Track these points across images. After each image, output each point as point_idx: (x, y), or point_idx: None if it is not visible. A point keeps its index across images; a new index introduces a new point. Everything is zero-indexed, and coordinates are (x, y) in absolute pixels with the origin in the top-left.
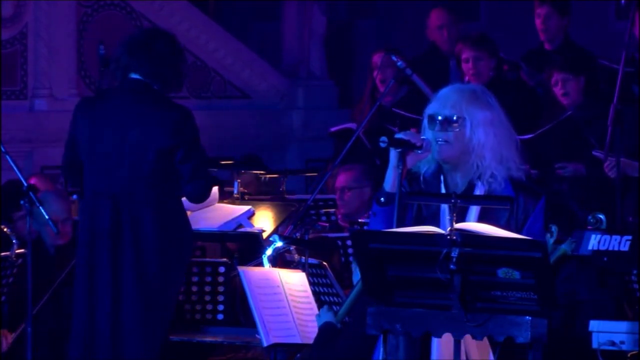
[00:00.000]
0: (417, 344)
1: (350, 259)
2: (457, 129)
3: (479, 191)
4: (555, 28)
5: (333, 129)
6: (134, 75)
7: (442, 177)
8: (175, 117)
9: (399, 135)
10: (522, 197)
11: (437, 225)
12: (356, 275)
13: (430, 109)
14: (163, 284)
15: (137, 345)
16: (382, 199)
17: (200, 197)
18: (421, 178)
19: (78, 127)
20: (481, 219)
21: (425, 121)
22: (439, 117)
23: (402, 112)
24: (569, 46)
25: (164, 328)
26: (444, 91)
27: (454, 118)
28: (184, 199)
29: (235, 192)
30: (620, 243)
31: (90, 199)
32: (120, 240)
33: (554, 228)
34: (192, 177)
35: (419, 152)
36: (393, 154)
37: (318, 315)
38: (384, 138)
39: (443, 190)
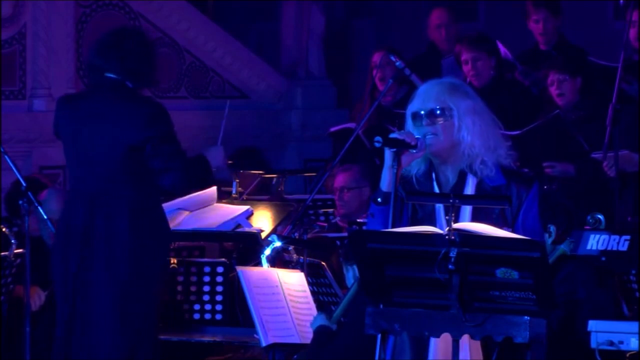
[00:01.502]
0: (420, 345)
1: (341, 259)
2: (444, 121)
3: (470, 182)
4: (552, 30)
5: (333, 129)
6: (108, 75)
7: (433, 175)
8: (147, 112)
9: (393, 135)
10: (515, 184)
11: (434, 225)
12: (349, 279)
13: (412, 107)
14: (137, 282)
15: (109, 345)
16: (379, 199)
17: (179, 187)
18: (413, 180)
19: (60, 125)
20: (475, 210)
21: (409, 120)
22: (424, 112)
23: (403, 111)
24: (563, 45)
25: (143, 327)
26: (424, 87)
27: (438, 111)
28: (182, 199)
29: (234, 192)
30: (619, 243)
31: (69, 197)
32: (93, 237)
33: (552, 228)
34: (164, 169)
35: (414, 151)
36: (388, 154)
37: (312, 322)
38: (378, 138)
39: (435, 188)
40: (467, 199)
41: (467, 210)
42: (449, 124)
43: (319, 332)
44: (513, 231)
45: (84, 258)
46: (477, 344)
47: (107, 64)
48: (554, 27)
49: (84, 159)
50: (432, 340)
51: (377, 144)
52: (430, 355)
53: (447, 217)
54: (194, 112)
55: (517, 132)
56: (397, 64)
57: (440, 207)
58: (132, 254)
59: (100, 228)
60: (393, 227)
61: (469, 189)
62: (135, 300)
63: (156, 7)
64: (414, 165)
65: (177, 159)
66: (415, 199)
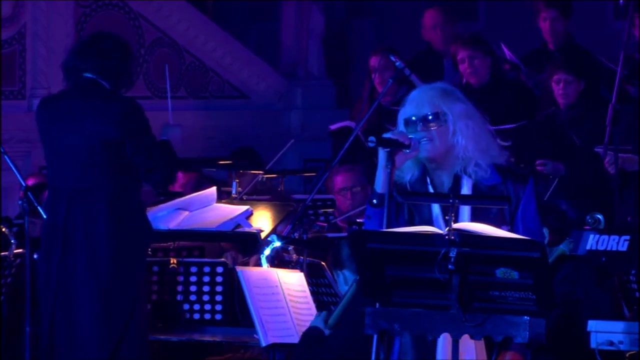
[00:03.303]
0: (426, 345)
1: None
2: (439, 126)
3: (466, 184)
4: (561, 30)
5: (333, 127)
6: (85, 75)
7: (427, 179)
8: (120, 109)
9: (386, 135)
10: (511, 182)
11: None
12: (340, 283)
13: (406, 113)
14: (118, 280)
15: (92, 344)
16: (374, 200)
17: (165, 184)
18: (407, 186)
19: (39, 127)
20: (474, 210)
21: (402, 126)
22: (418, 117)
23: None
24: (571, 47)
25: (126, 324)
26: (415, 93)
27: (432, 116)
28: (182, 199)
29: (234, 192)
30: (619, 243)
31: (50, 196)
32: (73, 235)
33: (544, 231)
34: (150, 167)
35: (407, 151)
36: (381, 154)
37: (312, 321)
38: (371, 138)
39: (431, 191)
40: (467, 199)
41: (465, 211)
42: (444, 128)
43: (307, 333)
44: (512, 229)
45: (65, 256)
46: (482, 344)
47: (84, 63)
48: (563, 28)
49: (62, 157)
50: (440, 340)
51: (370, 144)
52: (439, 355)
53: (446, 217)
54: (193, 112)
55: (512, 125)
56: (397, 64)
57: (438, 213)
58: (112, 251)
59: (79, 225)
60: (388, 227)
61: (465, 191)
62: (117, 298)
63: (156, 7)
64: (406, 171)
65: (159, 154)
66: (413, 199)
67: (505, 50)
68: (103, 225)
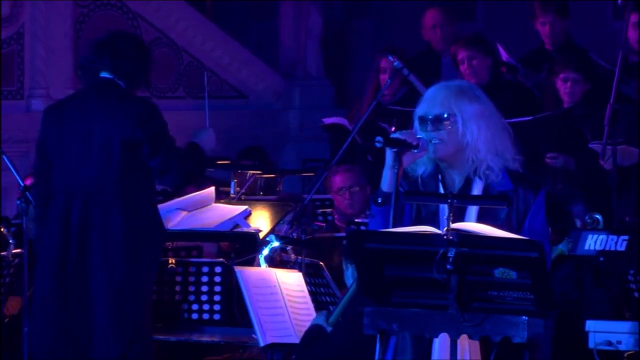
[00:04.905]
0: (424, 345)
1: (342, 256)
2: (449, 127)
3: (476, 186)
4: (560, 32)
5: (326, 121)
6: (101, 74)
7: (439, 177)
8: (138, 110)
9: (394, 135)
10: (522, 189)
11: (436, 225)
12: (348, 277)
13: (420, 111)
14: (132, 280)
15: (107, 343)
16: (379, 199)
17: (177, 186)
18: (419, 180)
19: (47, 131)
20: (481, 215)
21: (417, 123)
22: (429, 117)
23: (399, 108)
24: (570, 46)
25: (138, 324)
26: (431, 90)
27: (445, 116)
28: (181, 199)
29: (232, 192)
30: (617, 243)
31: (62, 198)
32: (90, 237)
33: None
34: (163, 170)
35: (415, 151)
36: (389, 154)
37: (312, 321)
38: (379, 138)
39: (441, 190)
40: (466, 199)
41: (472, 214)
42: (454, 129)
43: (309, 330)
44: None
45: (79, 256)
46: (476, 344)
47: (100, 62)
48: (562, 29)
49: (76, 159)
50: (436, 340)
51: (378, 144)
52: (434, 355)
53: (445, 217)
54: (192, 112)
55: (529, 117)
56: (395, 64)
57: (444, 208)
58: (127, 253)
59: (95, 226)
60: (394, 227)
61: (475, 193)
62: (131, 298)
63: (154, 7)
64: (420, 165)
65: (174, 158)
66: (413, 199)
67: (502, 51)
68: (118, 226)
